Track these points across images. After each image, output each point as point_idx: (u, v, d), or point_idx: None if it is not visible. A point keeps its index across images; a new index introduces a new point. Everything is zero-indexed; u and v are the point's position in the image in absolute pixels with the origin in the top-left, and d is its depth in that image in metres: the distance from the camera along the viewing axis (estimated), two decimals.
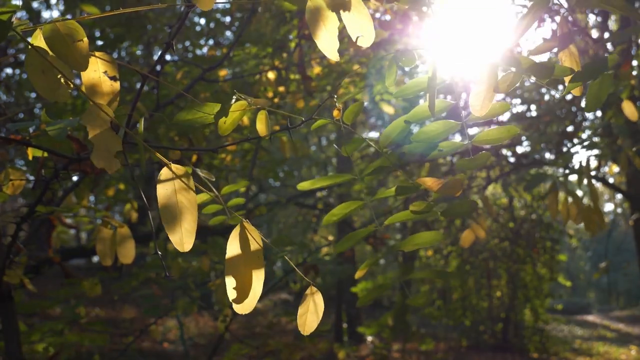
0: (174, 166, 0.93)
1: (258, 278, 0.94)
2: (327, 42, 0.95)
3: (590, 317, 20.78)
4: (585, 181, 1.96)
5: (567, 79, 1.02)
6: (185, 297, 4.27)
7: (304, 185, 1.14)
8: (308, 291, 0.99)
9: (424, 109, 1.06)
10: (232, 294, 0.92)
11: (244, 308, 0.93)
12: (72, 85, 0.97)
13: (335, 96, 1.08)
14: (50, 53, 0.93)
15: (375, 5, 3.44)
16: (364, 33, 0.95)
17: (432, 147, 1.09)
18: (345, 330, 9.76)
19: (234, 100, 1.07)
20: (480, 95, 0.98)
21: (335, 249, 1.15)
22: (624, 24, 6.00)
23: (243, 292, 0.92)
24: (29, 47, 0.93)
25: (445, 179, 1.07)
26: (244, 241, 0.94)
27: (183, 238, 0.90)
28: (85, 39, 0.93)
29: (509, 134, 1.06)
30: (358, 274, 1.17)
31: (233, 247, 0.93)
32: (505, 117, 6.36)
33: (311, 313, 0.99)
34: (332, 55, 0.95)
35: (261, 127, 1.11)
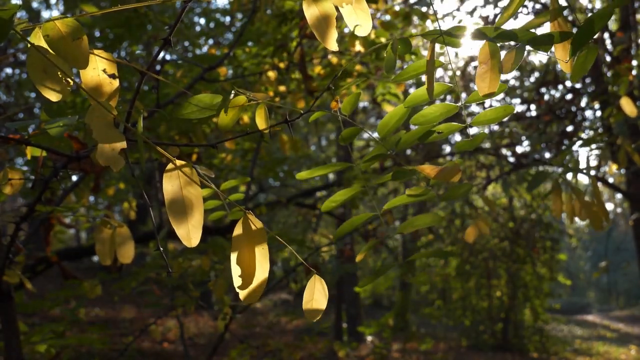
0: (178, 161, 0.93)
1: (262, 265, 0.95)
2: (327, 34, 0.96)
3: (590, 317, 20.80)
4: (586, 179, 1.97)
5: (557, 50, 1.03)
6: (185, 296, 4.27)
7: (302, 175, 1.15)
8: (311, 280, 1.00)
9: (422, 93, 1.06)
10: (237, 282, 0.93)
11: (250, 297, 0.93)
12: (72, 83, 0.97)
13: (333, 87, 1.09)
14: (51, 51, 0.93)
15: (377, 5, 3.43)
16: (361, 23, 0.96)
17: (429, 133, 1.10)
18: (345, 330, 9.76)
19: (232, 96, 1.07)
20: (486, 75, 0.99)
21: (336, 235, 1.16)
22: (624, 24, 6.00)
23: (248, 278, 0.93)
24: (30, 46, 0.93)
25: (442, 165, 1.09)
26: (247, 229, 0.95)
27: (190, 232, 0.91)
28: (85, 37, 0.93)
29: (506, 112, 1.08)
30: (358, 258, 1.19)
31: (237, 235, 0.95)
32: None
33: (316, 300, 1.00)
34: (331, 45, 0.96)
35: (261, 122, 1.11)
